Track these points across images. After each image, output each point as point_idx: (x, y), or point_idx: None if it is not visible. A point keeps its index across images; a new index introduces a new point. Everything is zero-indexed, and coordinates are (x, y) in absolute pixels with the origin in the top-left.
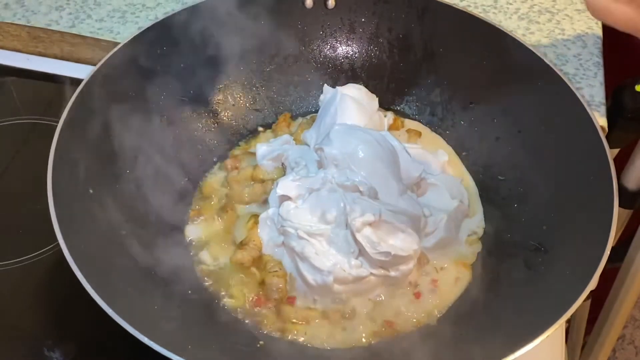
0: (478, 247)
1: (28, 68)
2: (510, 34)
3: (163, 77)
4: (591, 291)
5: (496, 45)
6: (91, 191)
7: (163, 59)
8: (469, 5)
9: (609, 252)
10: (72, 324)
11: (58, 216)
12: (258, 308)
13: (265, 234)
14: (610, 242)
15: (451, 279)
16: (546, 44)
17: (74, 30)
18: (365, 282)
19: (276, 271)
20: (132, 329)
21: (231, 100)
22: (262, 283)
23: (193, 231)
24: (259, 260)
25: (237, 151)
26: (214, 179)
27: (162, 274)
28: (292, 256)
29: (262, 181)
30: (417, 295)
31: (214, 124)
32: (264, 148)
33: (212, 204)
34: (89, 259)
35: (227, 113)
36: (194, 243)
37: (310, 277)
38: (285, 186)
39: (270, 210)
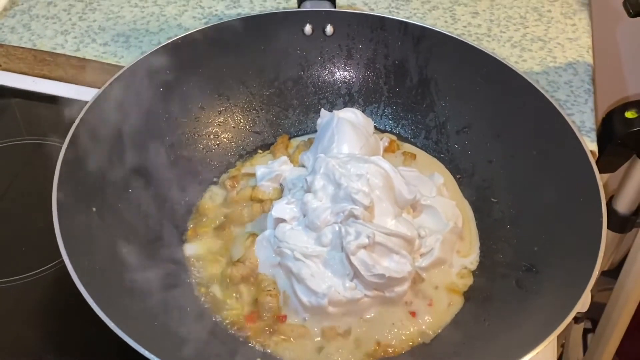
0: (469, 280)
1: (34, 90)
2: (503, 61)
3: (166, 99)
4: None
5: (489, 72)
6: (94, 209)
7: (166, 82)
8: (464, 34)
9: (597, 273)
10: (74, 340)
11: (62, 233)
12: (253, 325)
13: (261, 254)
14: (599, 264)
15: (444, 303)
16: (538, 71)
17: (78, 54)
18: (359, 303)
19: (270, 290)
20: (137, 344)
21: (231, 123)
22: (255, 301)
23: (191, 249)
24: (249, 279)
25: (235, 171)
26: (213, 199)
27: (162, 291)
28: (288, 276)
29: (261, 201)
30: (413, 314)
31: (215, 146)
32: (263, 169)
33: (211, 223)
34: (93, 276)
35: (228, 135)
36: (192, 261)
37: (305, 298)
38: (280, 209)
39: (267, 232)
